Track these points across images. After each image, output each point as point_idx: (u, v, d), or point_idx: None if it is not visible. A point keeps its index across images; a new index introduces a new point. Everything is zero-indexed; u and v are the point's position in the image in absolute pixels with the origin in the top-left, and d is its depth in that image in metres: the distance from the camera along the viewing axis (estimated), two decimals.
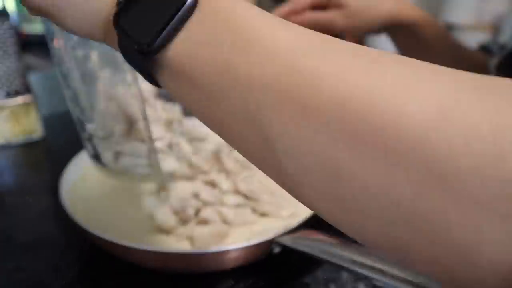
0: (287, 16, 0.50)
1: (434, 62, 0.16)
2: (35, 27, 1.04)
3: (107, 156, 0.37)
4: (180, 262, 0.37)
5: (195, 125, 0.52)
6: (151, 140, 0.36)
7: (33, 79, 0.70)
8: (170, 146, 0.45)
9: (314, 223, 0.39)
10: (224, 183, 0.45)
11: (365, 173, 0.15)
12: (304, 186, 0.18)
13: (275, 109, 0.18)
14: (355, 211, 0.17)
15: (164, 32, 0.20)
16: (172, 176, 0.44)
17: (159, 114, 0.48)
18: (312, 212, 0.39)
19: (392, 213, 0.15)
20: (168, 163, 0.43)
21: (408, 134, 0.14)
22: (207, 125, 0.22)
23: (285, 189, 0.20)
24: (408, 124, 0.14)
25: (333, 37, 0.19)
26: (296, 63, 0.17)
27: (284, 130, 0.17)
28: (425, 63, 0.17)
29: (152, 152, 0.36)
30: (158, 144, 0.42)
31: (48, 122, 0.71)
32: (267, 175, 0.20)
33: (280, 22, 0.20)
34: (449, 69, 0.16)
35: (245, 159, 0.21)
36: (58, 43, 0.32)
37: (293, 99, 0.17)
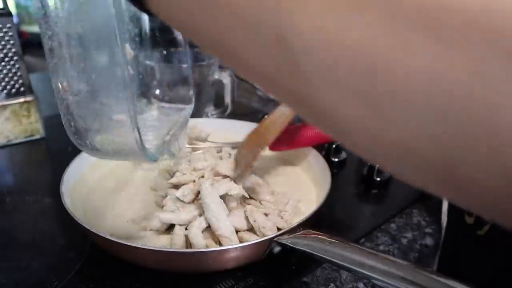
0: None
1: None
2: (35, 27, 1.04)
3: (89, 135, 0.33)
4: (180, 262, 0.37)
5: None
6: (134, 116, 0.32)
7: (34, 79, 0.70)
8: None
9: (314, 223, 0.38)
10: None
11: (412, 60, 0.13)
12: (325, 90, 0.15)
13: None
14: (392, 113, 0.14)
15: None
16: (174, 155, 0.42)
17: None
18: (312, 212, 0.39)
19: (441, 104, 0.13)
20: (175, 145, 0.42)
21: (467, 7, 0.12)
22: (208, 46, 0.19)
23: (297, 106, 0.17)
24: None
25: None
26: None
27: (305, 23, 0.15)
28: None
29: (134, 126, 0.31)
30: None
31: (49, 122, 0.71)
32: (276, 91, 0.18)
33: None
34: None
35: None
36: None
37: None
